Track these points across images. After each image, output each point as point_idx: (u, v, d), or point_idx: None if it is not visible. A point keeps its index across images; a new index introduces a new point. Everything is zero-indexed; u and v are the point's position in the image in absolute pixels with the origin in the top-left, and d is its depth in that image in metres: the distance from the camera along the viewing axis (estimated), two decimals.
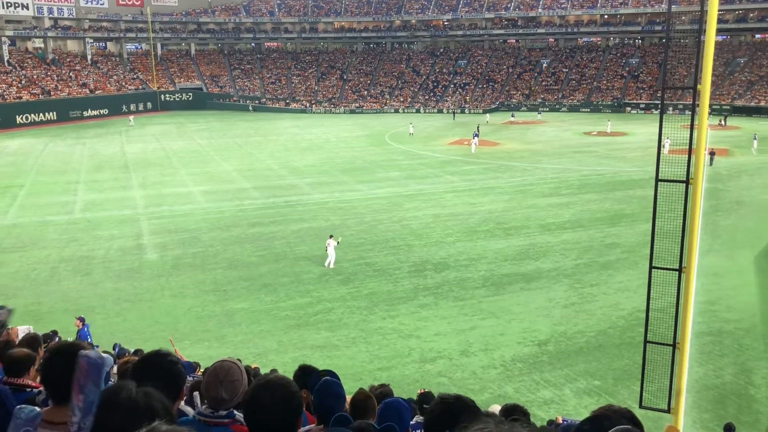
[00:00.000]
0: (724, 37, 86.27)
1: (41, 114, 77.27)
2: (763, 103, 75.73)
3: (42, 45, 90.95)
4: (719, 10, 11.23)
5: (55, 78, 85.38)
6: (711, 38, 10.22)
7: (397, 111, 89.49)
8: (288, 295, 22.13)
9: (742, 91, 79.08)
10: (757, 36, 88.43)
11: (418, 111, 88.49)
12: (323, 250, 25.97)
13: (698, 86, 10.33)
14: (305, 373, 5.76)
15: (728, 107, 75.15)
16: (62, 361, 3.03)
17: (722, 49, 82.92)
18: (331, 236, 25.65)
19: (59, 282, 23.83)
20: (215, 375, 3.51)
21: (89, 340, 15.29)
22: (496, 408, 7.10)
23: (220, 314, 20.74)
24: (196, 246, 27.92)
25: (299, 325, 19.79)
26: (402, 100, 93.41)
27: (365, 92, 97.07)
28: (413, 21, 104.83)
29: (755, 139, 51.42)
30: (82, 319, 16.63)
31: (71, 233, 30.17)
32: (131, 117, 79.83)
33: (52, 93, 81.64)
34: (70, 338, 13.99)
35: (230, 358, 3.68)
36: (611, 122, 66.21)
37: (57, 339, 12.14)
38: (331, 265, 24.72)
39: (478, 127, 60.93)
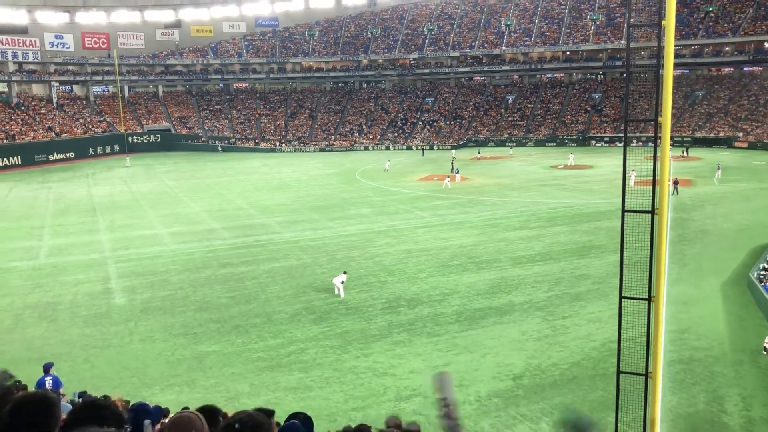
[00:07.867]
0: (687, 71, 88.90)
1: (5, 159, 76.00)
2: (722, 134, 77.90)
3: (6, 89, 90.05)
4: (675, 46, 11.61)
5: (20, 122, 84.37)
6: (669, 72, 10.55)
7: (366, 148, 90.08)
8: (260, 337, 21.81)
9: (701, 123, 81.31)
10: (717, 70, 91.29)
11: (387, 148, 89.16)
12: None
13: (659, 118, 10.62)
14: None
15: (689, 139, 77.14)
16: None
17: (681, 83, 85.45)
18: (344, 272, 26.22)
19: (23, 329, 23.17)
20: (175, 427, 3.41)
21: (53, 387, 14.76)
22: None
23: (190, 358, 20.33)
24: (165, 289, 27.47)
25: (272, 366, 19.47)
26: (371, 137, 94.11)
27: (334, 130, 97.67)
28: (380, 60, 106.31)
29: (719, 168, 52.50)
30: (46, 367, 16.04)
31: (36, 279, 29.48)
32: (128, 157, 78.90)
33: (16, 137, 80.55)
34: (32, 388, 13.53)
35: (189, 411, 3.60)
36: (574, 155, 67.41)
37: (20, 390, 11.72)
38: (341, 294, 25.28)
39: (452, 163, 62.39)
